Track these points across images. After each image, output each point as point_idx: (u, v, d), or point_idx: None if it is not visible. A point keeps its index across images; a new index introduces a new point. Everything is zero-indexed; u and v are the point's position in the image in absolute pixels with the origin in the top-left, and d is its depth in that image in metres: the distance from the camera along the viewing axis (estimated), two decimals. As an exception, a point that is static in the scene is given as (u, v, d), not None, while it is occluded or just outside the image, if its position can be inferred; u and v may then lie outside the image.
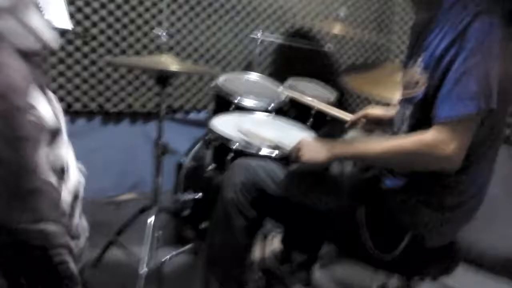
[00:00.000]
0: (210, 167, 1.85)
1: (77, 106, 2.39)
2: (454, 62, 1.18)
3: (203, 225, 1.95)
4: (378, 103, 2.71)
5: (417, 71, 1.30)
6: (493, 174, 1.38)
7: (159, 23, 2.41)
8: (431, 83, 1.24)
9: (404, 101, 1.39)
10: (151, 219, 1.89)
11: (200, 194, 1.99)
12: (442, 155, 1.18)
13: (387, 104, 1.91)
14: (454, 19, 1.21)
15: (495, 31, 1.17)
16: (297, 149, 1.46)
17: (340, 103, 2.62)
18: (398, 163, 1.30)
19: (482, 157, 1.30)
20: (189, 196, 1.96)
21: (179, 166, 2.25)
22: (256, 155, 1.70)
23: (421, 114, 1.29)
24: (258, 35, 2.64)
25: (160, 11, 2.42)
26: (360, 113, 1.79)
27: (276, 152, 1.68)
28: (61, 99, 2.33)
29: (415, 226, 1.34)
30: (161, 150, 1.84)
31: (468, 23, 1.17)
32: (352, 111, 3.30)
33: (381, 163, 1.35)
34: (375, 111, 1.75)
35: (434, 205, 1.32)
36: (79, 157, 2.50)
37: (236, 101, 2.16)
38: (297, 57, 2.94)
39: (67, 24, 1.68)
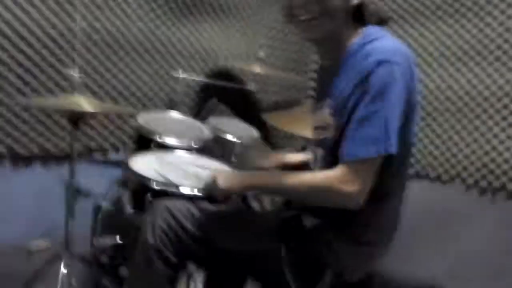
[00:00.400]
0: (128, 210, 1.78)
1: (-16, 149, 2.23)
2: (357, 107, 1.25)
3: (122, 271, 1.86)
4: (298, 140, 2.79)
5: (325, 115, 1.36)
6: (403, 205, 1.44)
7: (73, 61, 2.33)
8: (338, 127, 1.31)
9: (315, 143, 1.44)
10: (64, 268, 1.77)
11: (118, 238, 1.90)
12: (344, 193, 1.23)
13: (303, 148, 1.98)
14: (359, 65, 1.27)
15: (396, 78, 1.23)
16: (212, 177, 1.47)
17: (264, 141, 2.66)
18: (307, 196, 1.33)
19: (391, 193, 1.37)
20: (106, 240, 1.86)
21: (97, 209, 2.15)
22: (177, 195, 1.66)
23: (332, 157, 1.34)
24: (179, 73, 2.64)
25: (74, 49, 2.35)
26: (277, 162, 1.81)
27: (197, 190, 1.65)
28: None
29: (334, 262, 1.37)
30: (73, 193, 1.74)
31: (371, 70, 1.23)
32: (274, 149, 3.40)
33: (292, 196, 1.38)
34: (292, 157, 1.79)
35: (350, 241, 1.36)
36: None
37: (157, 139, 2.12)
38: (220, 96, 2.97)
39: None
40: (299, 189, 1.31)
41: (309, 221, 1.41)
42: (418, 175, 2.96)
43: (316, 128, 1.43)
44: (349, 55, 1.32)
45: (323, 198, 1.28)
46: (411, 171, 2.92)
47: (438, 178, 2.92)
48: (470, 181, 2.79)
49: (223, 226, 1.49)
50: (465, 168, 2.81)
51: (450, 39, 2.84)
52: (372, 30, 1.36)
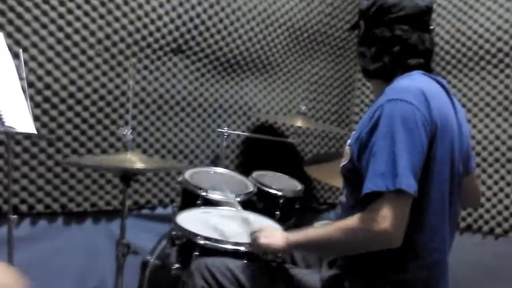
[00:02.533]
0: (175, 266, 1.80)
1: (39, 207, 2.34)
2: (369, 142, 1.29)
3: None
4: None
5: (347, 145, 1.42)
6: (447, 260, 1.40)
7: (126, 122, 2.45)
8: (351, 156, 1.36)
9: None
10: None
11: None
12: (376, 231, 1.22)
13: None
14: (377, 102, 1.32)
15: (406, 116, 1.25)
16: (256, 233, 1.49)
17: (306, 194, 2.66)
18: (344, 243, 1.31)
19: (430, 246, 1.34)
20: (153, 298, 1.88)
21: (144, 265, 2.18)
22: (222, 251, 1.68)
23: (346, 184, 1.41)
24: (225, 129, 2.72)
25: (127, 111, 2.48)
26: None
27: (243, 248, 1.67)
28: (23, 201, 2.29)
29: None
30: (123, 252, 1.79)
31: (381, 107, 1.28)
32: (317, 201, 3.38)
33: (330, 245, 1.36)
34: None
35: None
36: (40, 260, 2.43)
37: (203, 195, 2.16)
38: (262, 150, 3.02)
39: (31, 128, 1.71)
40: (334, 235, 1.30)
41: (350, 281, 1.39)
42: (470, 229, 2.85)
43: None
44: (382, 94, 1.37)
45: (359, 241, 1.27)
46: (462, 224, 2.83)
47: (491, 231, 2.80)
48: (525, 234, 2.67)
49: (266, 285, 1.49)
50: (519, 221, 2.70)
51: (496, 89, 2.81)
52: (412, 74, 1.40)
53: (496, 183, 2.79)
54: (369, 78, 1.53)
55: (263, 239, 1.47)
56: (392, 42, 1.40)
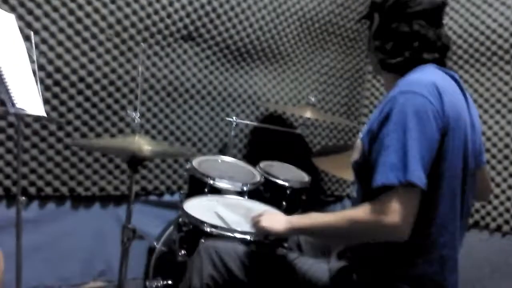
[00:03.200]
0: (181, 252, 1.81)
1: (48, 190, 2.35)
2: (379, 134, 1.28)
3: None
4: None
5: (358, 139, 1.40)
6: (456, 256, 1.39)
7: (135, 108, 2.45)
8: (362, 151, 1.35)
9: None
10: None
11: (170, 281, 1.92)
12: (384, 224, 1.21)
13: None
14: (389, 95, 1.31)
15: (417, 109, 1.24)
16: (258, 216, 1.49)
17: (313, 185, 2.65)
18: (350, 232, 1.30)
19: (438, 240, 1.33)
20: (158, 283, 1.89)
21: (151, 250, 2.20)
22: (229, 238, 1.68)
23: (359, 184, 1.40)
24: (233, 118, 2.71)
25: (137, 97, 2.48)
26: None
27: (249, 234, 1.67)
28: (32, 184, 2.30)
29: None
30: (128, 236, 1.79)
31: (392, 100, 1.27)
32: (324, 193, 3.37)
33: (334, 233, 1.35)
34: None
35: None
36: (47, 243, 2.45)
37: (210, 183, 2.17)
38: (270, 140, 3.01)
39: (41, 111, 1.71)
40: (340, 224, 1.30)
41: (359, 273, 1.39)
42: (477, 225, 2.84)
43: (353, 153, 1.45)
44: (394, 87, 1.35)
45: (366, 231, 1.26)
46: (470, 221, 2.82)
47: (498, 229, 2.79)
48: (532, 232, 2.66)
49: (273, 274, 1.49)
50: (527, 219, 2.68)
51: (507, 86, 2.78)
52: (425, 67, 1.39)
53: (505, 180, 2.78)
54: (385, 71, 1.51)
55: (265, 222, 1.47)
56: (411, 37, 1.39)
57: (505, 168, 2.77)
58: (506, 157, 2.77)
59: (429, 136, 1.24)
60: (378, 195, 1.23)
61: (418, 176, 1.20)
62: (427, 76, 1.34)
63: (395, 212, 1.19)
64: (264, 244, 1.62)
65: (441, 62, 1.43)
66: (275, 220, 1.47)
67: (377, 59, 1.48)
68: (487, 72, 2.86)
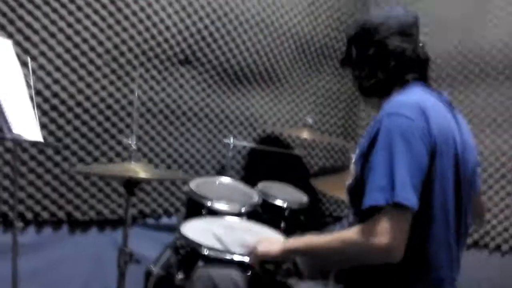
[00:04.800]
0: (179, 276, 1.79)
1: (45, 215, 2.34)
2: (368, 157, 1.29)
3: None
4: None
5: (351, 164, 1.42)
6: (455, 277, 1.38)
7: (131, 131, 2.46)
8: (355, 174, 1.36)
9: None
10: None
11: (169, 305, 1.90)
12: (375, 246, 1.21)
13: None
14: (376, 119, 1.34)
15: (403, 130, 1.25)
16: (254, 244, 1.50)
17: (311, 206, 2.65)
18: (342, 254, 1.31)
19: (435, 262, 1.33)
20: (156, 307, 1.87)
21: (148, 274, 2.17)
22: (227, 262, 1.67)
23: (352, 203, 1.41)
24: (231, 140, 2.72)
25: (132, 120, 2.49)
26: None
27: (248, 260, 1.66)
28: (28, 208, 2.29)
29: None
30: (125, 259, 1.78)
31: (379, 122, 1.29)
32: (323, 214, 3.36)
33: (328, 254, 1.35)
34: None
35: None
36: (44, 268, 2.43)
37: (208, 205, 2.16)
38: (268, 161, 3.01)
39: (38, 136, 1.72)
40: (332, 245, 1.30)
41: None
42: (476, 245, 2.83)
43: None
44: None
45: (356, 252, 1.26)
46: (469, 240, 2.81)
47: (498, 248, 2.77)
48: (532, 251, 2.64)
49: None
50: (526, 238, 2.67)
51: (502, 105, 2.80)
52: (410, 88, 1.41)
53: (502, 199, 2.77)
54: (365, 97, 1.54)
55: (260, 248, 1.47)
56: (387, 57, 1.42)
57: (503, 187, 2.77)
58: (503, 176, 2.78)
59: (417, 156, 1.24)
60: (369, 217, 1.23)
61: (406, 197, 1.20)
62: (412, 97, 1.36)
63: (384, 233, 1.19)
64: (262, 270, 1.61)
65: (423, 80, 1.45)
66: (270, 243, 1.47)
67: (357, 87, 1.52)
68: (481, 92, 2.88)
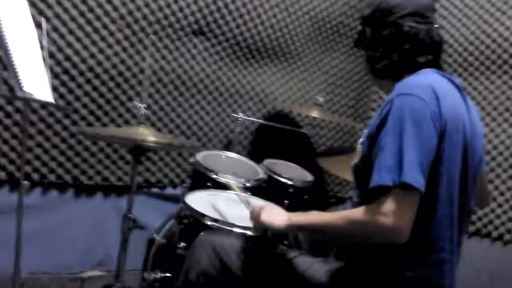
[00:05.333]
0: (181, 245, 1.81)
1: (51, 177, 2.36)
2: (378, 137, 1.28)
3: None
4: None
5: (359, 144, 1.41)
6: (456, 263, 1.38)
7: (140, 97, 2.46)
8: (362, 155, 1.36)
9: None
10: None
11: (169, 274, 1.93)
12: (380, 225, 1.20)
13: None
14: (387, 99, 1.32)
15: (415, 110, 1.24)
16: (259, 208, 1.48)
17: (316, 185, 2.65)
18: (348, 231, 1.30)
19: (437, 244, 1.33)
20: (156, 275, 1.89)
21: (151, 242, 2.20)
22: (228, 232, 1.68)
23: (357, 183, 1.42)
24: (240, 115, 2.71)
25: (142, 86, 2.49)
26: None
27: (249, 229, 1.67)
28: (35, 170, 2.31)
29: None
30: (129, 225, 1.80)
31: (390, 102, 1.28)
32: (327, 194, 3.37)
33: (333, 232, 1.35)
34: None
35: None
36: (48, 230, 2.46)
37: (213, 177, 2.17)
38: (276, 138, 3.00)
39: (49, 97, 1.72)
40: (338, 223, 1.30)
41: (356, 274, 1.39)
42: (478, 233, 2.82)
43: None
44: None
45: (363, 232, 1.26)
46: (471, 228, 2.80)
47: (500, 237, 2.77)
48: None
49: (270, 271, 1.49)
50: (529, 229, 2.66)
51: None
52: (423, 71, 1.39)
53: (509, 189, 2.76)
54: (377, 79, 1.52)
55: (265, 217, 1.46)
56: (401, 39, 1.41)
57: (510, 177, 2.76)
58: (511, 165, 2.76)
59: (426, 138, 1.23)
60: (376, 197, 1.23)
61: (413, 177, 1.19)
62: (424, 79, 1.35)
63: (391, 213, 1.19)
64: (262, 239, 1.62)
65: (436, 65, 1.44)
66: (275, 215, 1.46)
67: (369, 69, 1.50)
68: (497, 80, 2.84)
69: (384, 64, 1.44)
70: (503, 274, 2.69)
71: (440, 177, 1.29)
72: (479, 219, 2.82)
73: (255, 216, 1.50)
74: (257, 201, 2.04)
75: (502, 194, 2.77)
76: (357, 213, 1.26)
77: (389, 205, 1.19)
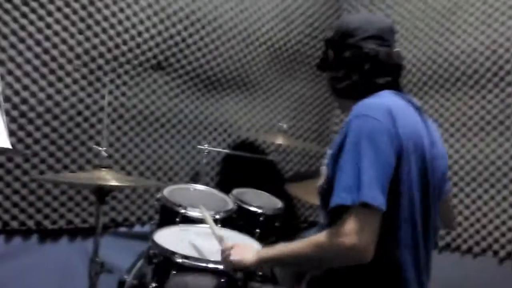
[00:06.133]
0: (152, 285, 1.76)
1: (14, 224, 2.27)
2: (338, 158, 1.30)
3: None
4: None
5: (324, 166, 1.42)
6: (425, 279, 1.39)
7: (102, 137, 2.42)
8: (326, 176, 1.37)
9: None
10: None
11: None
12: (344, 246, 1.20)
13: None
14: (345, 121, 1.35)
15: (372, 131, 1.26)
16: (229, 248, 1.48)
17: (286, 212, 2.65)
18: (314, 257, 1.30)
19: (402, 263, 1.33)
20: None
21: (121, 284, 2.13)
22: (201, 269, 1.65)
23: (323, 204, 1.40)
24: (205, 146, 2.70)
25: (103, 126, 2.45)
26: None
27: (222, 266, 1.64)
28: (-3, 218, 2.23)
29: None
30: (96, 270, 1.74)
31: (348, 123, 1.31)
32: (298, 219, 3.37)
33: (301, 260, 1.35)
34: None
35: None
36: (13, 277, 2.36)
37: (182, 212, 2.14)
38: (243, 167, 3.00)
39: (6, 143, 1.66)
40: (306, 250, 1.30)
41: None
42: (448, 247, 2.87)
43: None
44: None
45: (328, 256, 1.27)
46: (441, 243, 2.85)
47: (469, 250, 2.82)
48: (503, 253, 2.69)
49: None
50: (496, 240, 2.72)
51: (472, 110, 2.86)
52: (381, 93, 1.42)
53: (473, 202, 2.82)
54: (339, 99, 1.55)
55: (234, 256, 1.46)
56: (362, 60, 1.44)
57: (473, 190, 2.83)
58: (473, 179, 2.83)
59: (384, 157, 1.25)
60: (337, 218, 1.23)
61: (373, 196, 1.20)
62: (381, 100, 1.37)
63: (352, 233, 1.19)
64: (235, 276, 1.60)
65: (395, 86, 1.47)
66: (245, 253, 1.46)
67: (331, 89, 1.53)
68: (451, 97, 2.94)
69: (346, 84, 1.46)
70: (475, 286, 2.72)
71: (400, 197, 1.30)
72: (448, 233, 2.87)
73: (225, 256, 1.49)
74: (228, 233, 2.02)
75: (467, 207, 2.84)
76: (321, 236, 1.26)
77: (349, 225, 1.20)
